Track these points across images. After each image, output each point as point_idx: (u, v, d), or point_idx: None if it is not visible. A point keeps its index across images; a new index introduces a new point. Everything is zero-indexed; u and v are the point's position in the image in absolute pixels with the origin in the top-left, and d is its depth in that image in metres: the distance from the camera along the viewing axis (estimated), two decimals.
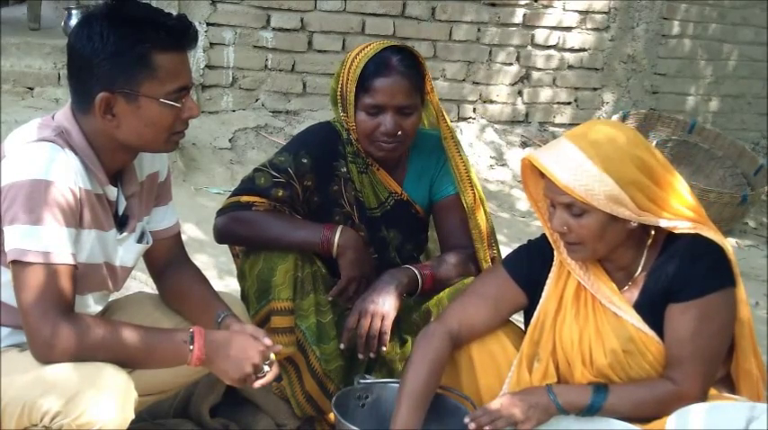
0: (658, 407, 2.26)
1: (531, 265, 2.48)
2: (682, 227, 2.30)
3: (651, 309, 2.31)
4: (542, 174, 2.29)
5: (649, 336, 2.31)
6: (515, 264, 2.50)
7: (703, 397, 2.27)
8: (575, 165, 2.21)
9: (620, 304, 2.33)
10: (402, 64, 2.71)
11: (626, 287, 2.36)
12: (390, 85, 2.69)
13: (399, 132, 2.72)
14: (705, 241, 2.29)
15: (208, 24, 5.55)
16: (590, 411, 2.27)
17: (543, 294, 2.43)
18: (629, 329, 2.32)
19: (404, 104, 2.70)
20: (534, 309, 2.45)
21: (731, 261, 2.31)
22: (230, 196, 2.82)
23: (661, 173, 2.28)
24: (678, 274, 2.28)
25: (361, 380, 2.50)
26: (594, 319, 2.36)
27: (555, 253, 2.43)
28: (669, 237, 2.33)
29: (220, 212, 2.80)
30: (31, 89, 5.38)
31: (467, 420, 2.25)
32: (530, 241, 2.55)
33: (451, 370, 2.50)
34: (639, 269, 2.35)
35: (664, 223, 2.28)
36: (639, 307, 2.33)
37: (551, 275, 2.44)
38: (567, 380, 2.38)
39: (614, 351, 2.31)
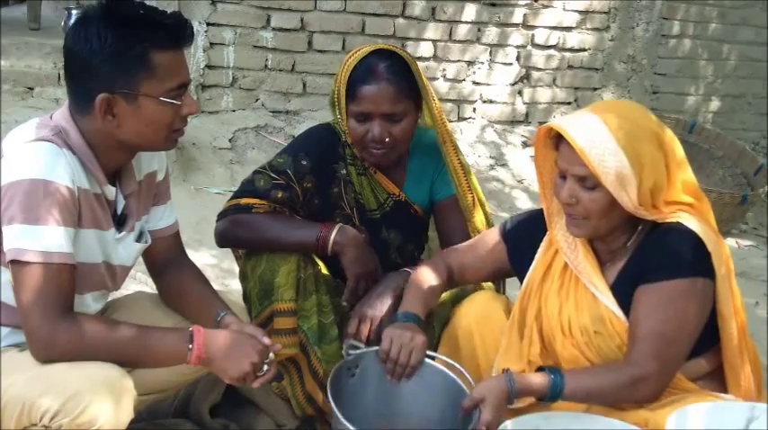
0: (618, 390, 2.25)
1: (519, 226, 2.61)
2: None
3: (625, 292, 2.33)
4: (555, 146, 2.32)
5: (620, 320, 2.33)
6: (507, 221, 2.67)
7: (664, 380, 2.26)
8: (594, 134, 2.23)
9: (599, 285, 2.36)
10: (389, 70, 2.69)
11: (606, 266, 2.39)
12: (375, 92, 2.67)
13: (387, 139, 2.70)
14: (682, 229, 2.29)
15: (208, 24, 5.55)
16: (549, 395, 2.28)
17: (533, 263, 2.50)
18: (602, 310, 2.35)
19: (391, 111, 2.69)
20: (521, 275, 2.54)
21: (708, 253, 2.27)
22: (230, 199, 2.82)
23: (676, 159, 2.31)
24: (648, 258, 2.30)
25: (350, 351, 2.49)
26: (575, 296, 2.40)
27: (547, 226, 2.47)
28: (654, 227, 2.34)
29: (221, 215, 2.80)
30: (31, 89, 5.38)
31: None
32: (534, 209, 2.65)
33: (453, 343, 2.59)
34: (624, 252, 2.37)
35: (652, 217, 2.31)
36: (615, 288, 2.36)
37: (542, 245, 2.49)
38: (552, 348, 2.42)
39: (587, 329, 2.36)
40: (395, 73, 2.70)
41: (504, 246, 2.60)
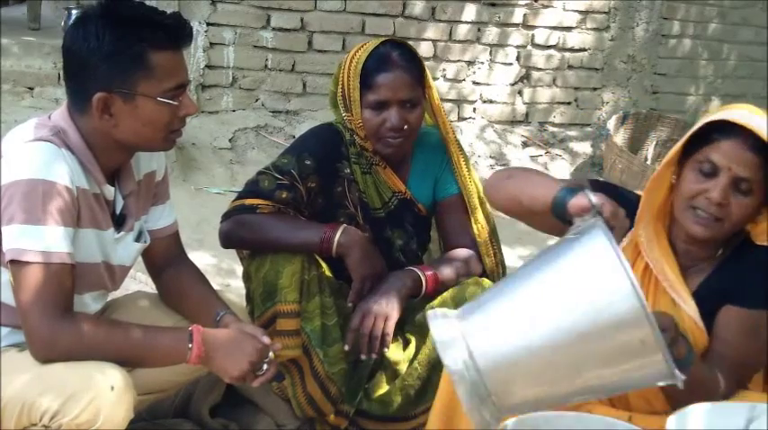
0: (705, 390, 2.20)
1: (612, 191, 2.33)
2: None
3: (708, 302, 2.28)
4: (705, 140, 2.19)
5: (702, 331, 2.28)
6: (603, 186, 2.40)
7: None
8: None
9: (682, 292, 2.30)
10: (402, 58, 2.74)
11: (688, 272, 2.32)
12: (393, 79, 2.71)
13: (405, 126, 2.73)
14: None
15: (208, 24, 5.55)
16: (683, 362, 2.16)
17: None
18: (683, 318, 2.28)
19: (408, 98, 2.72)
20: None
21: None
22: (234, 200, 2.82)
23: None
24: (748, 280, 2.26)
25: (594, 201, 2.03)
26: (653, 298, 2.33)
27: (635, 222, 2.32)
28: (744, 241, 2.31)
29: (225, 216, 2.79)
30: (31, 89, 5.38)
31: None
32: (632, 193, 2.46)
33: None
34: (711, 261, 2.32)
35: (759, 236, 2.26)
36: (697, 296, 2.30)
37: (627, 240, 2.37)
38: None
39: None
40: (408, 60, 2.75)
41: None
